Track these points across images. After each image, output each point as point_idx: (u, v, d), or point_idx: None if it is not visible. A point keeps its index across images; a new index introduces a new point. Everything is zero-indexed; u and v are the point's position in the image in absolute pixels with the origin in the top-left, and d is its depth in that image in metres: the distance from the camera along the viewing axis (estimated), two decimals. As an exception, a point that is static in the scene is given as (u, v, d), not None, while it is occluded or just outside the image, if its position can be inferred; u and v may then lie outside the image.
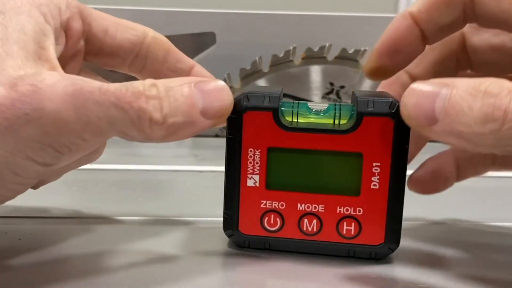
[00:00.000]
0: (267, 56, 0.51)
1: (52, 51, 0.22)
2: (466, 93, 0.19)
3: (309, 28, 0.54)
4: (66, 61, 0.25)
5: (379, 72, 0.26)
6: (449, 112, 0.19)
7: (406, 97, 0.21)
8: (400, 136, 0.23)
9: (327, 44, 0.51)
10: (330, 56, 0.51)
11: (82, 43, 0.25)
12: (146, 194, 0.36)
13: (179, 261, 0.24)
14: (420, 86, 0.20)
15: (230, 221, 0.25)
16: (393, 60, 0.25)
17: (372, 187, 0.23)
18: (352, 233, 0.24)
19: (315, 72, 0.52)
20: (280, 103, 0.24)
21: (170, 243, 0.26)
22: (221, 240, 0.27)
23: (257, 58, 0.51)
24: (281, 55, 0.51)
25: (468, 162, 0.29)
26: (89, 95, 0.20)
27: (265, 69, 0.51)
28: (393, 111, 0.23)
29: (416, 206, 0.33)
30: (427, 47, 0.26)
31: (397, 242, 0.24)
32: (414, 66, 0.27)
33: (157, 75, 0.27)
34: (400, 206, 0.24)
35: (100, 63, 0.27)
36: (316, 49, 0.51)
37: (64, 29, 0.24)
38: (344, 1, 0.66)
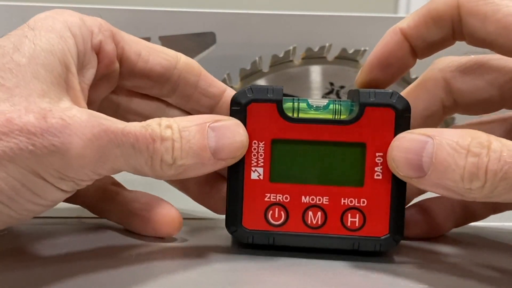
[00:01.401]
0: (267, 56, 0.51)
1: (76, 76, 0.23)
2: (451, 149, 0.20)
3: (309, 28, 0.54)
4: (98, 82, 0.26)
5: (371, 85, 0.26)
6: (437, 167, 0.21)
7: (393, 150, 0.22)
8: (401, 126, 0.23)
9: (327, 44, 0.51)
10: (330, 56, 0.51)
11: (116, 65, 0.26)
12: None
13: (179, 261, 0.24)
14: (405, 140, 0.22)
15: (234, 216, 0.24)
16: (384, 73, 0.26)
17: (375, 177, 0.24)
18: (357, 225, 0.24)
19: (315, 72, 0.52)
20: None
21: (171, 242, 0.26)
22: (221, 240, 0.27)
23: (257, 58, 0.51)
24: (281, 55, 0.51)
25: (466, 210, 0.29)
26: (113, 136, 0.21)
27: (265, 69, 0.51)
28: (394, 101, 0.23)
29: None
30: (414, 97, 0.26)
31: (401, 233, 0.24)
32: None
33: (189, 99, 0.27)
34: (403, 197, 0.24)
35: (132, 86, 0.27)
36: (316, 49, 0.51)
37: (96, 52, 0.25)
38: (344, 1, 0.66)
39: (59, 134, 0.20)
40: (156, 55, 0.27)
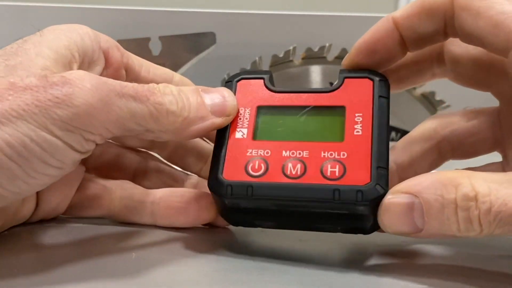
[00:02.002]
0: (267, 56, 0.51)
1: (79, 63, 0.24)
2: (440, 205, 0.20)
3: (309, 28, 0.54)
4: None
5: (355, 68, 0.26)
6: (431, 224, 0.21)
7: (383, 219, 0.22)
8: (380, 90, 0.24)
9: (327, 44, 0.51)
10: (330, 56, 0.51)
11: (123, 72, 0.27)
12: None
13: (179, 261, 0.24)
14: (393, 207, 0.21)
15: (215, 172, 0.24)
16: (369, 59, 0.26)
17: (355, 133, 0.24)
18: (337, 174, 0.23)
19: (315, 72, 0.52)
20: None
21: (170, 242, 0.26)
22: (222, 240, 0.27)
23: (257, 58, 0.51)
24: (281, 55, 0.51)
25: None
26: (112, 87, 0.22)
27: (265, 69, 0.51)
28: (372, 74, 0.25)
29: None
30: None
31: (385, 184, 0.23)
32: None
33: None
34: (384, 150, 0.23)
35: None
36: (316, 49, 0.51)
37: (105, 56, 0.26)
38: (344, 1, 0.66)
39: (61, 88, 0.21)
40: (155, 68, 0.29)
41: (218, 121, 0.25)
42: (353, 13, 0.55)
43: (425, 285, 0.22)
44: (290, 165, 0.24)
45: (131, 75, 0.28)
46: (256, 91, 0.26)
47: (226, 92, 0.26)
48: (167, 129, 0.24)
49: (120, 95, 0.22)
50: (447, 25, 0.24)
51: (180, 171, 0.31)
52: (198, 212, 0.27)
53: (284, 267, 0.24)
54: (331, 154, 0.24)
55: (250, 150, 0.25)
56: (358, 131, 0.24)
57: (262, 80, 0.27)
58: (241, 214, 0.25)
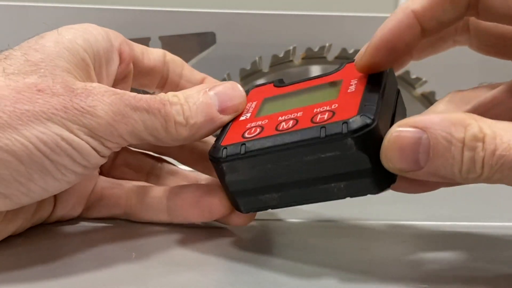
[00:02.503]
0: (267, 56, 0.51)
1: (94, 65, 0.26)
2: (447, 142, 0.20)
3: (309, 28, 0.54)
4: (118, 82, 0.28)
5: (373, 69, 0.25)
6: (434, 162, 0.20)
7: (387, 150, 0.21)
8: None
9: (327, 44, 0.51)
10: (330, 56, 0.51)
11: (131, 65, 0.29)
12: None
13: (179, 261, 0.24)
14: (399, 138, 0.21)
15: (216, 142, 0.25)
16: (389, 58, 0.25)
17: (348, 91, 0.24)
18: (325, 118, 0.23)
19: (315, 72, 0.52)
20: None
21: (170, 242, 0.26)
22: (222, 240, 0.27)
23: (257, 58, 0.51)
24: (281, 55, 0.51)
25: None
26: (127, 102, 0.24)
27: (265, 69, 0.51)
28: None
29: (415, 207, 0.33)
30: None
31: (372, 115, 0.21)
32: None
33: (176, 87, 0.30)
34: (375, 97, 0.23)
35: (138, 84, 0.30)
36: (316, 49, 0.51)
37: (119, 52, 0.27)
38: (344, 1, 0.66)
39: (86, 99, 0.23)
40: (151, 53, 0.30)
41: (227, 118, 0.26)
42: (353, 13, 0.55)
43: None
44: (283, 123, 0.24)
45: (136, 66, 0.29)
46: (265, 91, 0.28)
47: (233, 87, 0.27)
48: (177, 139, 0.25)
49: (135, 109, 0.24)
50: (470, 7, 0.24)
51: (193, 171, 0.31)
52: (210, 205, 0.26)
53: (284, 267, 0.24)
54: (323, 108, 0.24)
55: (250, 124, 0.25)
56: (351, 90, 0.24)
57: (272, 84, 0.29)
58: (241, 185, 0.24)
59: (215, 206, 0.26)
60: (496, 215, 0.32)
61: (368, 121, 0.21)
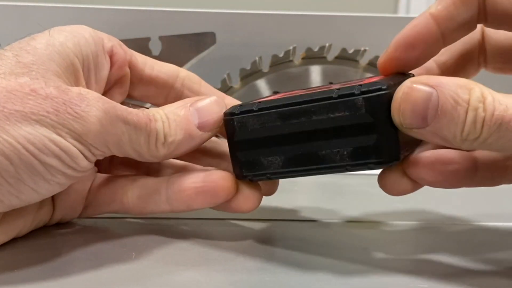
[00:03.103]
0: (267, 56, 0.51)
1: (84, 69, 0.26)
2: (454, 102, 0.21)
3: (309, 28, 0.54)
4: (111, 85, 0.28)
5: (392, 64, 0.26)
6: (440, 119, 0.21)
7: (401, 101, 0.22)
8: None
9: (327, 44, 0.51)
10: (330, 56, 0.51)
11: (127, 70, 0.28)
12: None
13: (179, 261, 0.24)
14: (413, 91, 0.22)
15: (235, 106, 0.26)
16: (408, 54, 0.25)
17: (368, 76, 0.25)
18: (340, 87, 0.24)
19: (315, 72, 0.52)
20: None
21: (170, 242, 0.26)
22: (222, 240, 0.27)
23: (257, 58, 0.51)
24: (281, 55, 0.51)
25: None
26: (119, 113, 0.24)
27: (265, 69, 0.51)
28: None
29: (415, 207, 0.33)
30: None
31: (386, 85, 0.22)
32: (440, 55, 0.28)
33: None
34: (391, 78, 0.24)
35: (140, 95, 0.30)
36: (316, 49, 0.51)
37: (109, 55, 0.27)
38: (344, 1, 0.66)
39: (80, 103, 0.23)
40: (160, 65, 0.29)
41: (206, 135, 0.26)
42: (353, 13, 0.55)
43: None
44: (298, 92, 0.25)
45: (134, 73, 0.28)
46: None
47: (217, 102, 0.27)
48: (156, 156, 0.26)
49: (125, 121, 0.24)
50: (480, 9, 0.25)
51: (193, 164, 0.31)
52: (215, 187, 0.26)
53: (284, 267, 0.24)
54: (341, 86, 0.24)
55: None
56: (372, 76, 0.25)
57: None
58: (248, 145, 0.25)
59: (219, 188, 0.26)
60: (496, 215, 0.32)
61: (382, 87, 0.22)
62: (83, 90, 0.23)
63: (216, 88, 0.51)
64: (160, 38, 0.51)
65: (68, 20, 0.53)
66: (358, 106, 0.22)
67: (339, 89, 0.23)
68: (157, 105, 0.30)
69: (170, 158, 0.26)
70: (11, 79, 0.22)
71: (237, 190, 0.26)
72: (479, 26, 0.27)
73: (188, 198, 0.26)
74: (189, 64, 0.51)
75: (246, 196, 0.26)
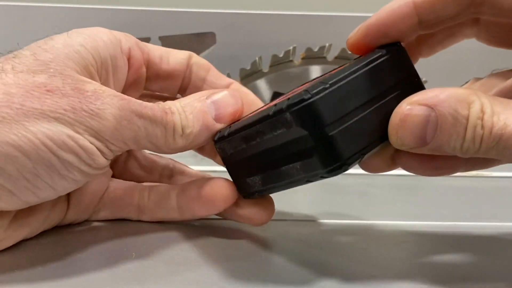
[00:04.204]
0: (267, 56, 0.51)
1: (101, 72, 0.26)
2: (453, 119, 0.21)
3: (309, 28, 0.54)
4: (128, 87, 0.28)
5: (360, 48, 0.25)
6: (440, 138, 0.21)
7: (398, 128, 0.22)
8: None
9: (327, 44, 0.51)
10: (330, 56, 0.51)
11: (143, 69, 0.28)
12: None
13: (179, 260, 0.24)
14: (410, 117, 0.21)
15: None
16: (378, 42, 0.25)
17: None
18: (283, 99, 0.23)
19: (315, 72, 0.52)
20: None
21: (170, 241, 0.26)
22: (221, 240, 0.27)
23: (257, 58, 0.51)
24: (281, 55, 0.51)
25: None
26: (134, 108, 0.24)
27: (265, 69, 0.51)
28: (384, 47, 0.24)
29: (414, 207, 0.33)
30: None
31: (311, 93, 0.21)
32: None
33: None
34: (338, 73, 0.22)
35: (158, 88, 0.30)
36: (316, 49, 0.51)
37: (127, 57, 0.27)
38: (344, 1, 0.66)
39: (96, 101, 0.23)
40: (173, 56, 0.29)
41: (222, 127, 0.26)
42: (353, 13, 0.55)
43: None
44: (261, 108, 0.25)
45: (152, 71, 0.29)
46: None
47: (232, 94, 0.27)
48: (174, 148, 0.26)
49: (140, 116, 0.24)
50: (474, 4, 0.24)
51: (204, 172, 0.32)
52: (212, 196, 0.26)
53: (284, 267, 0.24)
54: (293, 92, 0.24)
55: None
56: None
57: None
58: (233, 167, 0.26)
59: (216, 196, 0.26)
60: (496, 215, 0.32)
61: (306, 96, 0.21)
62: (98, 87, 0.24)
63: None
64: (160, 38, 0.51)
65: (68, 20, 0.53)
66: (289, 122, 0.21)
67: (275, 105, 0.22)
68: (172, 95, 0.30)
69: (188, 150, 0.26)
70: (28, 78, 0.22)
71: (241, 204, 0.27)
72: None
73: (192, 207, 0.27)
74: (189, 64, 0.51)
75: (245, 207, 0.27)
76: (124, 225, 0.29)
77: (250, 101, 0.29)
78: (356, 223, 0.31)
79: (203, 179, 0.27)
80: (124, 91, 0.28)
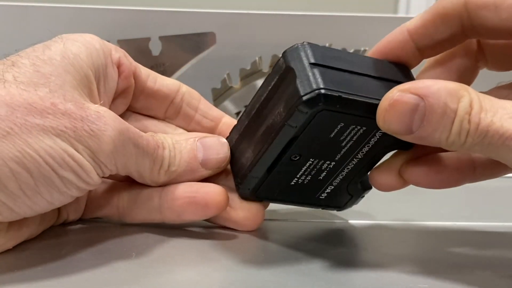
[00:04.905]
0: (267, 56, 0.51)
1: (95, 85, 0.26)
2: (442, 111, 0.21)
3: (309, 28, 0.54)
4: (117, 96, 0.28)
5: None
6: (426, 128, 0.22)
7: (386, 112, 0.22)
8: None
9: (327, 44, 0.51)
10: (330, 56, 0.51)
11: (132, 80, 0.28)
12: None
13: (179, 260, 0.24)
14: (398, 104, 0.22)
15: None
16: None
17: None
18: None
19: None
20: None
21: (170, 242, 0.26)
22: (221, 240, 0.27)
23: (257, 58, 0.51)
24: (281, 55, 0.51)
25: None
26: (132, 135, 0.24)
27: (265, 69, 0.51)
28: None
29: (414, 207, 0.33)
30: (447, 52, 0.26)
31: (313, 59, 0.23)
32: (438, 76, 0.27)
33: (190, 121, 0.30)
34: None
35: (141, 107, 0.30)
36: (316, 49, 0.51)
37: (117, 65, 0.27)
38: (344, 1, 0.66)
39: (97, 122, 0.23)
40: (162, 79, 0.30)
41: (207, 173, 0.27)
42: (353, 13, 0.55)
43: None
44: None
45: (137, 85, 0.29)
46: None
47: (221, 142, 0.27)
48: (155, 181, 0.27)
49: (135, 145, 0.25)
50: (465, 27, 0.24)
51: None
52: (206, 197, 0.26)
53: (284, 267, 0.24)
54: None
55: None
56: None
57: None
58: (235, 152, 0.27)
59: (210, 200, 0.26)
60: (496, 215, 0.32)
61: (299, 44, 0.24)
62: (100, 108, 0.24)
63: (216, 88, 0.51)
64: (160, 38, 0.51)
65: (68, 20, 0.53)
66: (280, 64, 0.24)
67: None
68: (156, 118, 0.30)
69: (166, 184, 0.27)
70: (31, 90, 0.22)
71: (234, 208, 0.27)
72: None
73: (179, 207, 0.27)
74: (189, 64, 0.51)
75: (245, 212, 0.27)
76: (124, 225, 0.29)
77: None
78: (356, 223, 0.31)
79: (196, 184, 0.27)
80: (113, 101, 0.28)
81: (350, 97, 0.22)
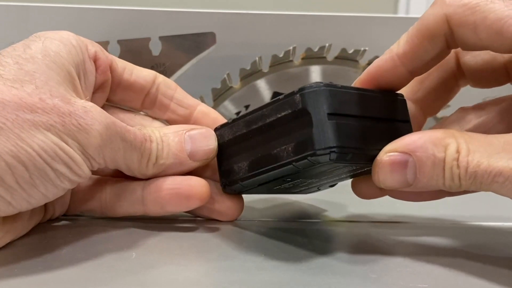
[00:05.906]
0: (267, 56, 0.51)
1: (77, 80, 0.26)
2: (431, 163, 0.23)
3: (309, 28, 0.54)
4: (96, 90, 0.29)
5: None
6: (421, 180, 0.23)
7: (378, 175, 0.24)
8: None
9: (327, 44, 0.51)
10: (330, 56, 0.51)
11: (109, 74, 0.29)
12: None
13: (179, 260, 0.24)
14: (388, 165, 0.23)
15: None
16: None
17: None
18: None
19: (315, 72, 0.52)
20: None
21: (170, 241, 0.26)
22: (221, 240, 0.27)
23: (257, 58, 0.51)
24: (281, 55, 0.51)
25: None
26: (119, 129, 0.25)
27: (265, 69, 0.51)
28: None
29: (413, 207, 0.33)
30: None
31: (322, 84, 0.24)
32: (415, 92, 0.29)
33: (166, 110, 0.31)
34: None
35: (119, 99, 0.30)
36: (316, 49, 0.51)
37: (94, 60, 0.28)
38: (344, 1, 0.66)
39: (84, 116, 0.24)
40: (138, 70, 0.30)
41: (195, 165, 0.28)
42: (353, 13, 0.55)
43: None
44: None
45: (114, 78, 0.29)
46: None
47: (209, 134, 0.28)
48: (144, 174, 0.27)
49: (123, 139, 0.25)
50: (449, 42, 0.25)
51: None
52: (190, 189, 0.27)
53: (284, 267, 0.24)
54: None
55: None
56: None
57: None
58: (225, 155, 0.28)
59: (193, 192, 0.27)
60: (496, 215, 0.32)
61: (317, 85, 0.24)
62: (86, 103, 0.24)
63: (216, 88, 0.51)
64: (160, 38, 0.51)
65: (68, 20, 0.53)
66: (296, 103, 0.24)
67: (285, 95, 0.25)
68: (134, 109, 0.31)
69: (154, 176, 0.28)
70: (18, 87, 0.23)
71: (217, 199, 0.29)
72: (452, 53, 0.27)
73: (162, 199, 0.27)
74: (189, 64, 0.51)
75: (227, 202, 0.29)
76: (124, 225, 0.29)
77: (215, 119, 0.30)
78: (356, 223, 0.31)
79: (179, 177, 0.28)
80: (92, 95, 0.28)
81: (359, 152, 0.24)
